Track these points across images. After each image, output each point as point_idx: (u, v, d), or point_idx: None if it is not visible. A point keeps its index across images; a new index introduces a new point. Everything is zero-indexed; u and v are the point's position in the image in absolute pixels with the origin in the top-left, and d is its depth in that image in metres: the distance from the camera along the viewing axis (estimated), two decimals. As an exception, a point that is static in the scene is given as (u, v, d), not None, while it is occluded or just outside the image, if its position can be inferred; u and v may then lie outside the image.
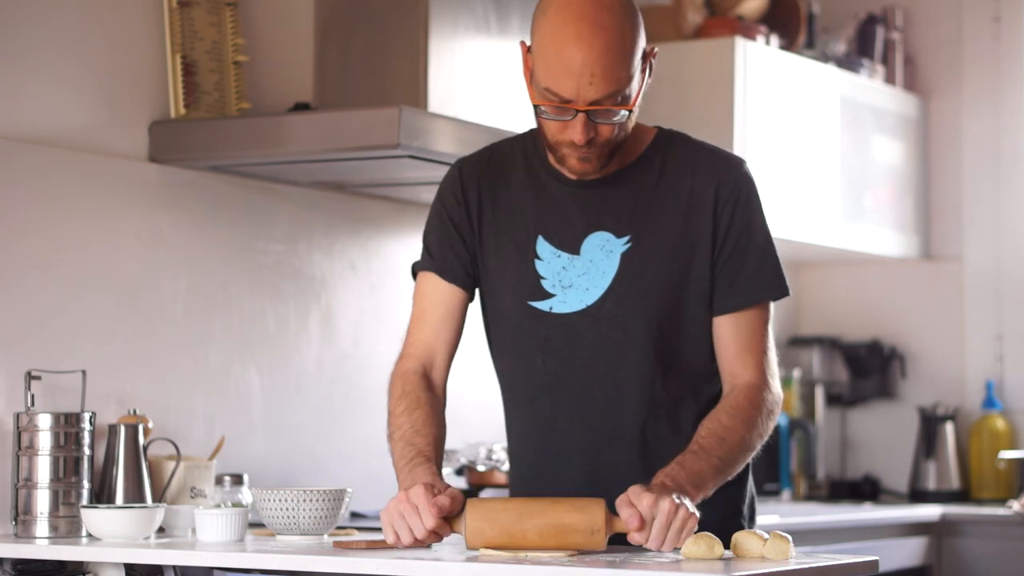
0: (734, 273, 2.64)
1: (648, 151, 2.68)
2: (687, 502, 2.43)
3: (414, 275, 2.79)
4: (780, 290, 2.68)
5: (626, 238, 2.65)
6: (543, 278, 2.67)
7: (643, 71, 2.57)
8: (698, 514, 2.44)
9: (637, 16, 2.56)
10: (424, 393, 2.72)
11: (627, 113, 2.53)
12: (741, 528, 2.70)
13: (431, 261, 2.73)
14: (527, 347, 2.69)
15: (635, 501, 2.41)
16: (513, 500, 2.52)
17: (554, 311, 2.66)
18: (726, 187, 2.64)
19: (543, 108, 2.54)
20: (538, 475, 2.71)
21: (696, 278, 2.64)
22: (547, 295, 2.67)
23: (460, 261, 2.72)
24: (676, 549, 2.46)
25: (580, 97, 2.50)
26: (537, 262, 2.68)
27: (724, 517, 2.66)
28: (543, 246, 2.68)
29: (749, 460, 2.65)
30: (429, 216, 2.78)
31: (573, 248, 2.67)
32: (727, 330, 2.65)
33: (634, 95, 2.53)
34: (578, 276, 2.66)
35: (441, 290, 2.73)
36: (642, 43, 2.56)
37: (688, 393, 2.67)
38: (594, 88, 2.49)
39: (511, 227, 2.70)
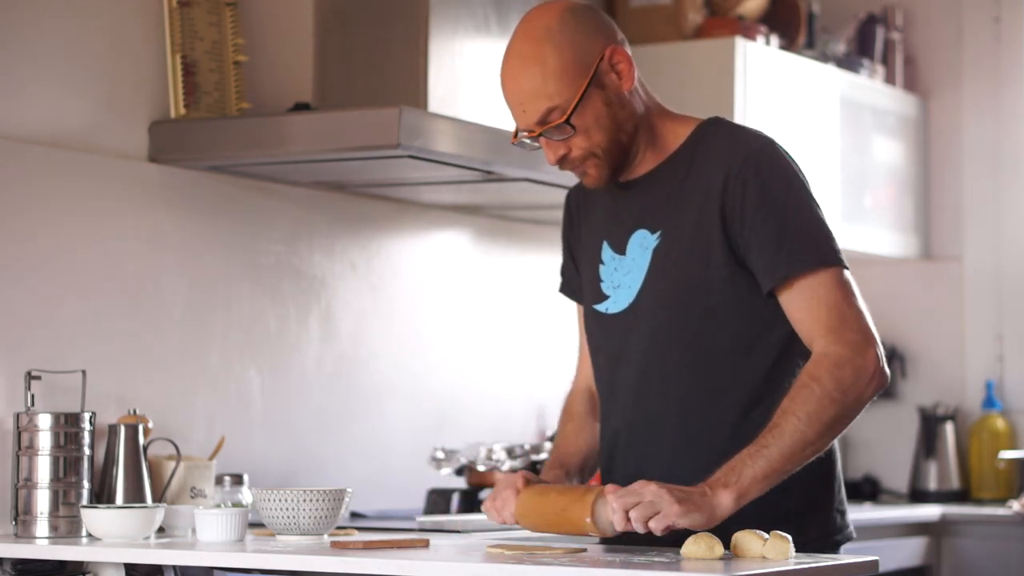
0: (758, 252, 2.59)
1: (683, 144, 2.70)
2: (664, 490, 2.43)
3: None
4: (820, 259, 2.58)
5: (658, 234, 2.68)
6: (602, 281, 2.75)
7: (587, 76, 2.60)
8: (679, 521, 2.43)
9: (571, 30, 2.61)
10: (581, 408, 2.89)
11: (570, 124, 2.59)
12: (836, 545, 2.71)
13: (563, 284, 2.92)
14: (594, 348, 2.80)
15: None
16: (544, 487, 2.63)
17: (609, 312, 2.74)
18: (735, 168, 2.61)
19: (522, 141, 2.67)
20: (605, 471, 2.80)
21: (716, 265, 2.62)
22: (604, 297, 2.75)
23: (574, 278, 2.87)
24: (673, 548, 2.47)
25: (526, 125, 2.64)
26: (600, 266, 2.76)
27: (812, 540, 2.63)
28: (605, 250, 2.76)
29: (835, 433, 2.55)
30: None
31: (621, 249, 2.73)
32: (790, 307, 2.60)
33: (571, 105, 2.59)
34: (624, 276, 2.72)
35: (581, 312, 2.89)
36: (584, 51, 2.61)
37: (729, 384, 2.64)
38: (529, 115, 2.63)
39: (592, 236, 2.80)
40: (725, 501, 2.46)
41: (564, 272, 2.91)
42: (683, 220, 2.65)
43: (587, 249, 2.80)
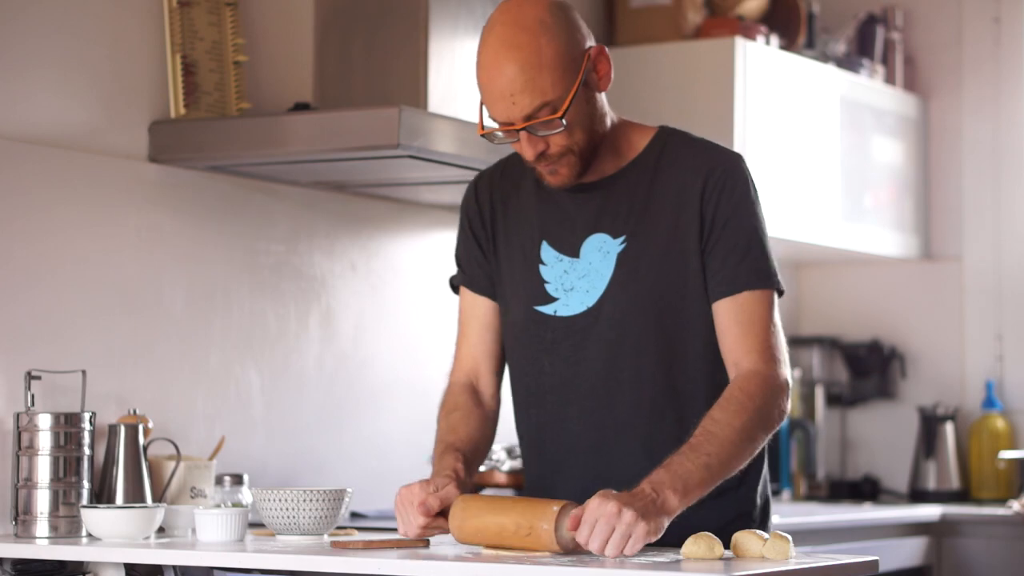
0: (721, 260, 2.64)
1: (645, 151, 2.71)
2: (631, 510, 2.39)
3: (455, 289, 2.88)
4: (767, 281, 2.65)
5: (622, 239, 2.67)
6: (547, 282, 2.72)
7: (579, 73, 2.58)
8: (647, 524, 2.39)
9: (563, 24, 2.58)
10: (464, 399, 2.81)
11: (562, 121, 2.56)
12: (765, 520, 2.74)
13: (462, 275, 2.85)
14: (534, 351, 2.74)
15: (587, 505, 2.42)
16: (488, 499, 2.56)
17: (558, 314, 2.71)
18: (712, 179, 2.65)
19: (494, 133, 2.61)
20: (549, 474, 2.75)
21: (693, 273, 2.65)
22: (551, 299, 2.71)
23: (484, 272, 2.81)
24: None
25: (511, 117, 2.58)
26: (541, 267, 2.72)
27: (733, 521, 2.64)
28: (547, 251, 2.72)
29: (756, 451, 2.60)
30: (457, 231, 2.87)
31: (573, 251, 2.70)
32: (724, 316, 2.65)
33: (566, 101, 2.56)
34: (579, 279, 2.69)
35: (475, 303, 2.83)
36: (575, 48, 2.59)
37: (694, 388, 2.67)
38: (518, 107, 2.56)
39: (519, 234, 2.76)
40: (673, 505, 2.46)
41: (465, 262, 2.84)
42: (655, 227, 2.66)
43: (514, 247, 2.76)
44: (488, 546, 2.53)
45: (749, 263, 2.64)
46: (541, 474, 2.77)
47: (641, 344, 2.66)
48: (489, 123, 2.63)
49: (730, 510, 2.67)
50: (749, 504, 2.72)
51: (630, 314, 2.66)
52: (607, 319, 2.67)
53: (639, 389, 2.66)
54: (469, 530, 2.53)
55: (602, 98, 2.67)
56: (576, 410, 2.71)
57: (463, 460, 2.68)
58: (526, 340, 2.75)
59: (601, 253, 2.68)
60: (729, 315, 2.64)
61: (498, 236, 2.79)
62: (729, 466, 2.55)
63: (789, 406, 2.66)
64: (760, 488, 2.75)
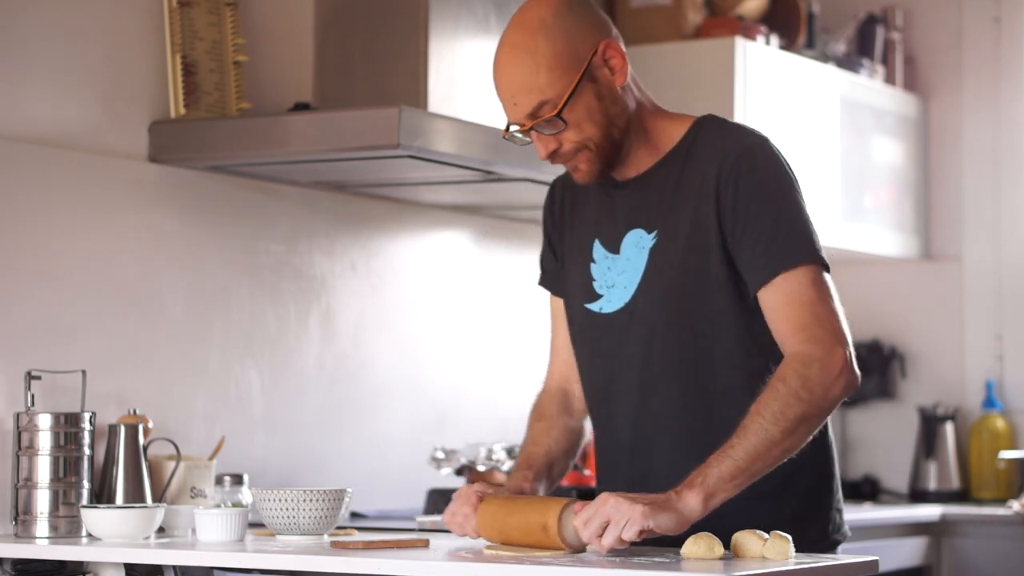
0: (751, 247, 2.58)
1: (679, 143, 2.69)
2: (628, 501, 2.40)
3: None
4: (803, 257, 2.58)
5: (654, 233, 2.67)
6: (594, 280, 2.74)
7: (580, 69, 2.58)
8: (647, 523, 2.39)
9: (566, 22, 2.59)
10: (552, 408, 2.85)
11: (561, 118, 2.56)
12: (835, 545, 2.71)
13: (542, 277, 2.90)
14: (586, 349, 2.77)
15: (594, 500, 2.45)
16: (505, 500, 2.58)
17: (603, 311, 2.72)
18: (727, 166, 2.61)
19: (514, 135, 2.64)
20: (605, 473, 2.77)
21: (715, 264, 2.61)
22: (597, 296, 2.73)
23: (558, 273, 2.85)
24: (673, 553, 2.47)
25: (516, 118, 2.62)
26: (592, 265, 2.74)
27: (767, 527, 2.55)
28: (597, 249, 2.74)
29: (799, 435, 2.50)
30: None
31: (615, 248, 2.71)
32: (766, 305, 2.59)
33: (563, 99, 2.56)
34: (619, 275, 2.70)
35: (558, 306, 2.88)
36: (578, 45, 2.59)
37: (725, 385, 2.64)
38: (520, 107, 2.60)
39: (580, 234, 2.78)
40: (692, 502, 2.43)
41: (544, 264, 2.89)
42: (679, 220, 2.64)
43: (575, 246, 2.78)
44: (504, 544, 2.54)
45: (780, 245, 2.57)
46: (601, 474, 2.78)
47: (669, 340, 2.64)
48: (513, 127, 2.65)
49: (763, 514, 2.60)
50: (788, 509, 2.66)
51: (657, 311, 2.64)
52: (640, 315, 2.66)
53: (670, 386, 2.65)
54: (488, 530, 2.56)
55: (624, 92, 2.64)
56: (619, 407, 2.71)
57: (531, 479, 2.72)
58: (581, 339, 2.77)
59: (637, 248, 2.68)
60: (770, 302, 2.58)
61: (565, 237, 2.82)
62: (763, 456, 2.48)
63: (845, 383, 2.53)
64: (807, 494, 2.69)
